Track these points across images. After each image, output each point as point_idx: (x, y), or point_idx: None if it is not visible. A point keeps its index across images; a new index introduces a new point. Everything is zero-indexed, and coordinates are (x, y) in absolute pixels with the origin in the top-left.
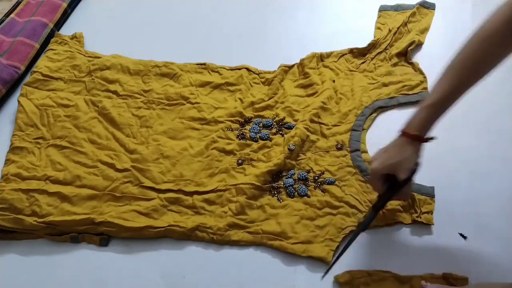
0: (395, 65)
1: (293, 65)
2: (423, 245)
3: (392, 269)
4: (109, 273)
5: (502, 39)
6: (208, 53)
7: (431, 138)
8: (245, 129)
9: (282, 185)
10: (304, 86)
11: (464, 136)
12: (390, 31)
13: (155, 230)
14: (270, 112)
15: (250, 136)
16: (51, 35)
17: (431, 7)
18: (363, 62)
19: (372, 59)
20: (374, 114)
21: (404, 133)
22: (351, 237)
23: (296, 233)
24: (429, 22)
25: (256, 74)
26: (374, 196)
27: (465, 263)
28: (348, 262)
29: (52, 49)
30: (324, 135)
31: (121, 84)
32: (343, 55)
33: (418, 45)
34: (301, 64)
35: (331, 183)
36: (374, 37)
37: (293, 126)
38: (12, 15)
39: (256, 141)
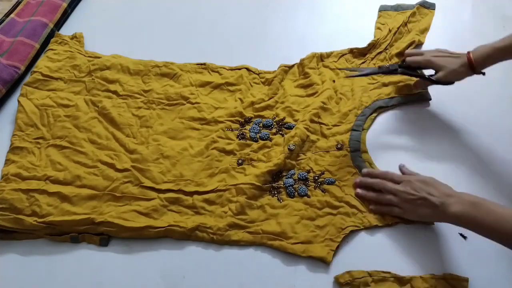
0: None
1: (293, 65)
2: (423, 245)
3: (392, 270)
4: (109, 273)
5: None
6: (208, 53)
7: (483, 74)
8: (245, 129)
9: (282, 185)
10: (304, 86)
11: (464, 136)
12: (390, 31)
13: (155, 230)
14: (270, 112)
15: (250, 136)
16: (51, 35)
17: (431, 7)
18: (363, 62)
19: (372, 59)
20: (374, 114)
21: (468, 54)
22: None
23: (296, 233)
24: (429, 22)
25: (256, 74)
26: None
27: (465, 263)
28: (348, 262)
29: (52, 49)
30: (324, 135)
31: (121, 84)
32: (343, 55)
33: (418, 45)
34: (301, 64)
35: (331, 183)
36: (374, 37)
37: (293, 126)
38: (12, 15)
39: (256, 141)
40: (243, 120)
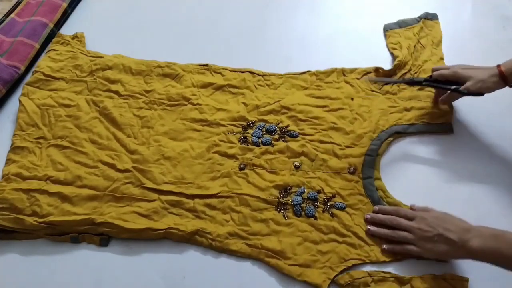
0: (421, 89)
1: (303, 72)
2: None
3: (392, 270)
4: (109, 273)
5: None
6: (209, 53)
7: None
8: (248, 133)
9: (290, 202)
10: (315, 97)
11: (465, 136)
12: (408, 49)
13: (155, 232)
14: (274, 117)
15: (252, 140)
16: (51, 35)
17: (434, 17)
18: (386, 84)
19: None
20: (390, 139)
21: (498, 66)
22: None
23: (295, 255)
24: (440, 33)
25: (261, 75)
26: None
27: (465, 263)
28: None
29: (54, 50)
30: (336, 155)
31: (123, 84)
32: (367, 73)
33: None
34: (316, 75)
35: (341, 208)
36: (397, 57)
37: (296, 135)
38: (12, 15)
39: (258, 145)
40: (245, 124)
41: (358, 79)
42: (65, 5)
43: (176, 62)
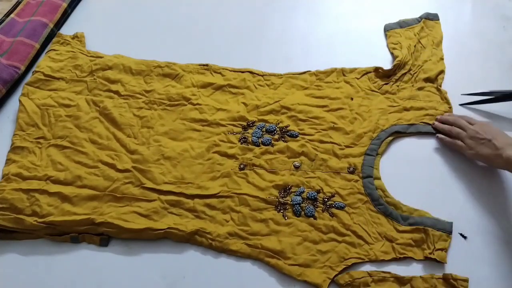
0: (420, 89)
1: (303, 72)
2: None
3: (392, 270)
4: (109, 273)
5: None
6: (209, 53)
7: None
8: (248, 132)
9: (289, 202)
10: (315, 97)
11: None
12: (408, 49)
13: (155, 232)
14: (274, 117)
15: (252, 140)
16: (51, 35)
17: (435, 18)
18: (386, 84)
19: (397, 80)
20: (390, 138)
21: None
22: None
23: (295, 254)
24: (440, 34)
25: (260, 75)
26: (384, 228)
27: (465, 263)
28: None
29: (54, 50)
30: (336, 155)
31: (123, 84)
32: (367, 72)
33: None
34: (316, 75)
35: (341, 208)
36: (397, 57)
37: (296, 135)
38: (12, 15)
39: (258, 145)
40: (245, 124)
41: (358, 79)
42: (65, 5)
43: (176, 62)
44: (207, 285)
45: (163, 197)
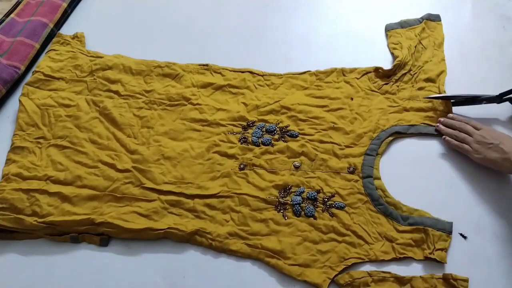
0: (421, 89)
1: (303, 72)
2: None
3: (392, 270)
4: (109, 273)
5: None
6: (209, 53)
7: None
8: (248, 133)
9: (289, 202)
10: (315, 97)
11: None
12: (408, 50)
13: (155, 232)
14: (274, 117)
15: (252, 140)
16: (51, 35)
17: (437, 19)
18: (386, 84)
19: (397, 80)
20: (390, 138)
21: None
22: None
23: (295, 254)
24: (442, 35)
25: (260, 75)
26: (384, 228)
27: (465, 263)
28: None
29: (54, 50)
30: (336, 155)
31: (123, 84)
32: (367, 72)
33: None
34: (316, 75)
35: (341, 208)
36: (397, 57)
37: (296, 135)
38: (12, 15)
39: (258, 145)
40: (245, 124)
41: (358, 79)
42: (65, 5)
43: (176, 62)
44: (207, 285)
45: (163, 197)
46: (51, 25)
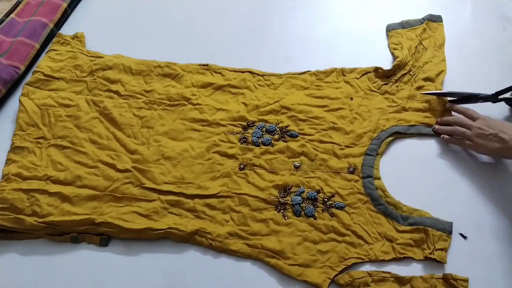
0: (419, 88)
1: (303, 72)
2: None
3: (392, 270)
4: (109, 273)
5: None
6: (209, 53)
7: None
8: (248, 132)
9: (289, 202)
10: (315, 97)
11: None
12: (408, 50)
13: (155, 232)
14: (274, 117)
15: (252, 140)
16: (51, 35)
17: (438, 20)
18: (385, 84)
19: (396, 81)
20: (390, 138)
21: None
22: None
23: (295, 254)
24: (443, 36)
25: (260, 75)
26: (384, 228)
27: (465, 263)
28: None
29: (54, 50)
30: (336, 155)
31: (123, 84)
32: (367, 72)
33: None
34: (316, 75)
35: (341, 208)
36: (397, 57)
37: (296, 135)
38: (12, 15)
39: (258, 145)
40: (245, 124)
41: (357, 78)
42: (65, 5)
43: (176, 62)
44: (207, 285)
45: (163, 197)
46: (51, 25)
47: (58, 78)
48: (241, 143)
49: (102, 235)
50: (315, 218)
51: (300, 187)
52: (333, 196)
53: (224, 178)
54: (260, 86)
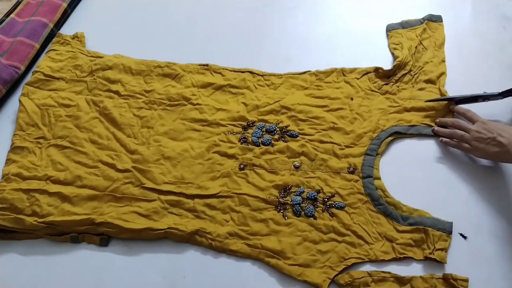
0: (421, 89)
1: (303, 72)
2: None
3: (392, 270)
4: (109, 273)
5: None
6: (209, 53)
7: None
8: (248, 132)
9: (289, 202)
10: (315, 97)
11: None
12: (409, 50)
13: (155, 232)
14: (274, 117)
15: (252, 140)
16: (51, 35)
17: (438, 20)
18: (386, 84)
19: (397, 81)
20: (390, 138)
21: None
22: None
23: (295, 254)
24: (443, 36)
25: (260, 75)
26: (384, 228)
27: (465, 263)
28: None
29: (54, 50)
30: (336, 155)
31: (123, 84)
32: (367, 73)
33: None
34: (316, 75)
35: (341, 208)
36: (397, 57)
37: (296, 135)
38: (12, 15)
39: (258, 145)
40: (245, 124)
41: (358, 79)
42: (65, 5)
43: (176, 62)
44: (207, 285)
45: (163, 197)
46: (51, 25)
47: (58, 78)
48: (241, 143)
49: (102, 235)
50: (315, 218)
51: (300, 187)
52: (333, 196)
53: (224, 178)
54: (260, 86)
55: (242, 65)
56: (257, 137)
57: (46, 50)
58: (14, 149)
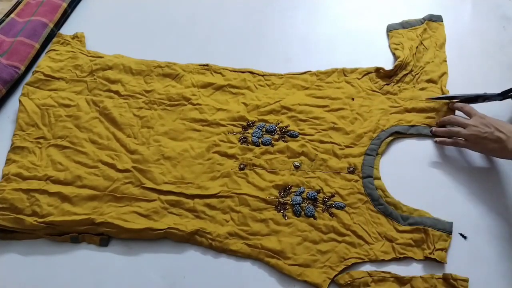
0: (422, 89)
1: (304, 72)
2: None
3: (392, 270)
4: (109, 273)
5: None
6: (209, 53)
7: None
8: (248, 132)
9: (289, 202)
10: (316, 97)
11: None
12: (410, 50)
13: (155, 232)
14: (274, 117)
15: (252, 140)
16: (51, 35)
17: (439, 19)
18: (387, 84)
19: (398, 81)
20: (390, 138)
21: None
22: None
23: (295, 254)
24: (443, 35)
25: (261, 75)
26: (384, 228)
27: (465, 263)
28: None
29: (54, 50)
30: (336, 155)
31: (123, 84)
32: (368, 73)
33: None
34: (317, 75)
35: (341, 208)
36: (398, 57)
37: (296, 135)
38: (12, 15)
39: (258, 145)
40: (245, 124)
41: (359, 79)
42: (65, 5)
43: (176, 62)
44: (207, 285)
45: (163, 197)
46: (51, 25)
47: (58, 78)
48: (241, 143)
49: (102, 235)
50: (315, 218)
51: (300, 187)
52: (333, 196)
53: (224, 178)
54: (261, 86)
55: (242, 65)
56: (257, 137)
57: (46, 50)
58: (14, 149)
